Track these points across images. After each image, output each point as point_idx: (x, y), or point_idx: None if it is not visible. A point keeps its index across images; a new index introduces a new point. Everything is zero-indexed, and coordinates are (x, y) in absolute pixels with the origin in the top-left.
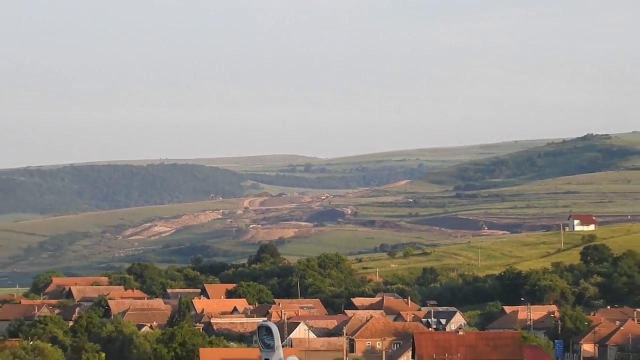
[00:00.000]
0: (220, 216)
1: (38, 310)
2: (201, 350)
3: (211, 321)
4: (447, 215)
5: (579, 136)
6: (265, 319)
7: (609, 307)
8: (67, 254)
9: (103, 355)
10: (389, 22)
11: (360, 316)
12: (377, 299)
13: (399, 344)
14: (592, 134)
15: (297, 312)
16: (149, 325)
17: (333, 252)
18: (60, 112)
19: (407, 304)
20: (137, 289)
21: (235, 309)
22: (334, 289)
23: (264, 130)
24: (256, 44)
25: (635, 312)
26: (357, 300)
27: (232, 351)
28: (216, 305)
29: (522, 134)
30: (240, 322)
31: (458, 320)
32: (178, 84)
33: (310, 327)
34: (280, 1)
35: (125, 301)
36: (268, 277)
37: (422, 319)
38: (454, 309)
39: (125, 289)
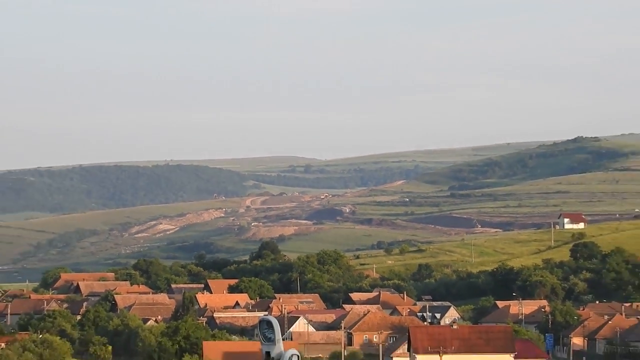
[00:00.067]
0: (223, 215)
1: (47, 305)
2: (204, 343)
3: (214, 315)
4: (441, 214)
5: (569, 138)
6: (266, 313)
7: (597, 302)
8: (75, 251)
9: (110, 348)
10: (386, 27)
11: (358, 310)
12: (374, 294)
13: (395, 337)
14: (581, 136)
15: (296, 306)
16: (154, 319)
17: (332, 249)
18: (69, 116)
19: (403, 298)
20: (142, 284)
21: (237, 304)
22: (332, 284)
23: (265, 133)
24: (260, 50)
25: (623, 306)
26: (354, 295)
27: (234, 344)
28: (219, 300)
29: (514, 136)
30: (242, 316)
31: (452, 314)
32: (183, 88)
33: (309, 321)
34: (283, 8)
35: (131, 296)
36: (269, 273)
37: (418, 314)
38: (448, 303)
39: (131, 284)
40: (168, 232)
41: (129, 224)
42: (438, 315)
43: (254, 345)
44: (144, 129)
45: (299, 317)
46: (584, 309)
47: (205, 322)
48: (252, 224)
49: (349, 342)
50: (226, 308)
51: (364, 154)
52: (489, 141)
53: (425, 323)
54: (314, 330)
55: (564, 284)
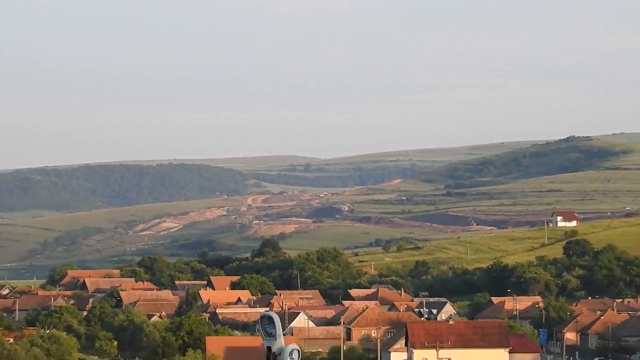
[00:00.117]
0: (225, 213)
1: (54, 301)
2: (207, 338)
3: (217, 311)
4: (438, 212)
5: (562, 138)
6: (268, 309)
7: (590, 298)
8: (81, 248)
9: (115, 343)
10: (386, 27)
11: (357, 306)
12: (372, 290)
13: (393, 332)
14: (574, 136)
15: (297, 302)
16: (158, 315)
17: (331, 247)
18: (69, 116)
19: (401, 295)
20: (147, 280)
21: (239, 300)
22: (332, 281)
23: (266, 132)
24: (260, 50)
25: (614, 302)
26: (353, 292)
27: (236, 339)
28: (221, 296)
29: (509, 135)
30: (244, 312)
31: (448, 310)
32: (183, 88)
33: (309, 317)
34: (283, 8)
35: (136, 292)
36: (270, 270)
37: (415, 309)
38: (444, 299)
39: (136, 281)
40: (172, 230)
41: (133, 222)
42: (434, 311)
43: (255, 340)
44: (145, 129)
45: (299, 312)
46: (576, 305)
47: (208, 318)
48: (254, 222)
49: (348, 337)
50: (228, 304)
51: (362, 153)
52: (484, 140)
53: (422, 318)
54: (314, 325)
55: (557, 280)
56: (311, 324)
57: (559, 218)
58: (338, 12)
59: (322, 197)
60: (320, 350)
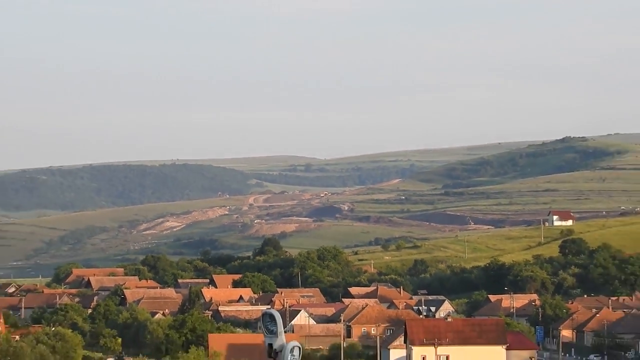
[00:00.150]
0: (227, 212)
1: (59, 299)
2: (210, 335)
3: (219, 309)
4: (436, 211)
5: (558, 138)
6: (269, 306)
7: (585, 296)
8: (86, 247)
9: (119, 340)
10: (386, 27)
11: (357, 304)
12: (371, 288)
13: (392, 329)
14: (569, 136)
15: (298, 300)
16: (161, 312)
17: (331, 246)
18: (69, 116)
19: (400, 293)
20: (150, 279)
21: (241, 298)
22: (332, 279)
23: (267, 133)
24: (260, 50)
25: (609, 300)
26: (353, 290)
27: (238, 336)
28: (223, 294)
29: (506, 136)
30: (246, 310)
31: (446, 308)
32: (183, 88)
33: (310, 315)
34: (283, 8)
35: (139, 290)
36: (271, 268)
37: (414, 307)
38: (442, 297)
39: (140, 279)
40: (175, 229)
41: (137, 221)
42: (433, 309)
43: (257, 338)
44: (145, 129)
45: (300, 310)
46: (572, 303)
47: (211, 316)
48: (255, 221)
49: (348, 334)
50: (230, 302)
51: (362, 153)
52: (482, 141)
53: (420, 316)
54: (315, 323)
55: (553, 278)
56: (312, 322)
57: (555, 217)
58: (338, 12)
59: (323, 196)
60: (320, 347)
